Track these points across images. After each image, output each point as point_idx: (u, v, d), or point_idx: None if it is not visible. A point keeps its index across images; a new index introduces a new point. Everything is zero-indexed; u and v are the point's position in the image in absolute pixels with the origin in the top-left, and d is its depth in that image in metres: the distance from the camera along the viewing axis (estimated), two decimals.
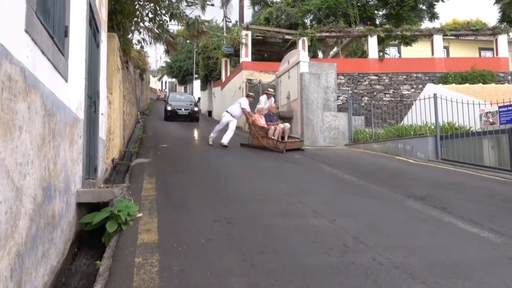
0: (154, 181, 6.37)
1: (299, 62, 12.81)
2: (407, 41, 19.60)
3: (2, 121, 1.95)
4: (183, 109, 20.64)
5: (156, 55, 61.89)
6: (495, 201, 5.71)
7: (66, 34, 3.42)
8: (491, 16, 42.22)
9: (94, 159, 5.34)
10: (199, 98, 29.84)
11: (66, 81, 3.46)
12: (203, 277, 3.02)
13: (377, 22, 21.02)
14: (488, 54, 24.22)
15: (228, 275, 3.08)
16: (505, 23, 20.57)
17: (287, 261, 3.40)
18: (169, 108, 20.58)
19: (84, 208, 4.31)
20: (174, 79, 44.13)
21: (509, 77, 17.93)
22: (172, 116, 20.23)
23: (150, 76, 40.56)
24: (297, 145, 11.18)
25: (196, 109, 21.44)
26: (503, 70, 18.19)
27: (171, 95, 24.22)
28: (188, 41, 27.00)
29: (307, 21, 21.37)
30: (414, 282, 3.02)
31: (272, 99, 12.21)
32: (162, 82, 53.40)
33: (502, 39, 18.77)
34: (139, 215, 4.47)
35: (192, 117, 20.81)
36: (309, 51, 18.26)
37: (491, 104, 8.67)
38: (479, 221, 4.67)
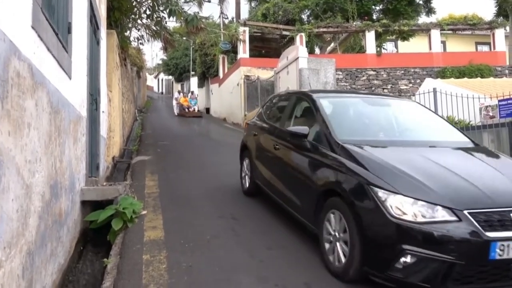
0: (157, 178, 6.35)
1: (298, 57, 12.77)
2: (405, 36, 19.58)
3: (12, 118, 1.93)
4: None
5: (152, 53, 61.36)
6: None
7: (69, 30, 3.39)
8: (486, 10, 42.31)
9: (96, 157, 5.31)
10: None
11: (70, 78, 3.44)
12: (212, 273, 3.01)
13: (374, 17, 20.98)
14: (485, 48, 24.25)
15: (237, 271, 3.07)
16: (501, 18, 20.61)
17: (294, 256, 3.39)
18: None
19: (88, 206, 4.29)
20: (170, 77, 43.96)
21: (506, 71, 17.96)
22: None
23: (147, 74, 40.39)
24: None
25: None
26: (500, 64, 18.21)
27: (330, 105, 4.17)
28: (184, 38, 26.92)
29: (304, 17, 21.32)
30: None
31: None
32: (158, 80, 52.95)
33: (499, 33, 18.80)
34: (144, 212, 4.45)
35: None
36: (306, 46, 18.21)
37: (490, 98, 8.68)
38: None
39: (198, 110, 23.53)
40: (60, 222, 3.02)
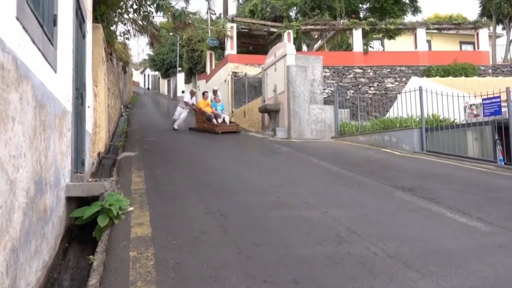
0: (143, 175, 6.28)
1: (285, 54, 12.78)
2: (391, 34, 19.81)
3: None
4: None
5: (139, 48, 60.56)
6: (480, 191, 5.83)
7: (55, 23, 3.32)
8: (470, 11, 43.06)
9: (81, 153, 5.23)
10: None
11: (55, 71, 3.37)
12: (200, 270, 2.99)
13: (361, 15, 21.14)
14: (469, 47, 24.66)
15: (225, 267, 3.06)
16: (485, 18, 20.99)
17: (282, 252, 3.40)
18: None
19: (73, 202, 4.22)
20: (157, 72, 43.54)
21: (490, 70, 18.31)
22: None
23: (133, 69, 39.85)
24: None
25: None
26: (484, 63, 18.57)
27: None
28: (171, 33, 26.65)
29: (292, 14, 21.36)
30: (409, 270, 3.06)
31: None
32: (144, 75, 52.35)
33: (483, 33, 19.16)
34: (130, 209, 4.40)
35: None
36: (293, 44, 18.25)
37: (475, 96, 8.83)
38: (467, 211, 4.77)
39: (232, 122, 14.38)
40: (45, 219, 2.97)
